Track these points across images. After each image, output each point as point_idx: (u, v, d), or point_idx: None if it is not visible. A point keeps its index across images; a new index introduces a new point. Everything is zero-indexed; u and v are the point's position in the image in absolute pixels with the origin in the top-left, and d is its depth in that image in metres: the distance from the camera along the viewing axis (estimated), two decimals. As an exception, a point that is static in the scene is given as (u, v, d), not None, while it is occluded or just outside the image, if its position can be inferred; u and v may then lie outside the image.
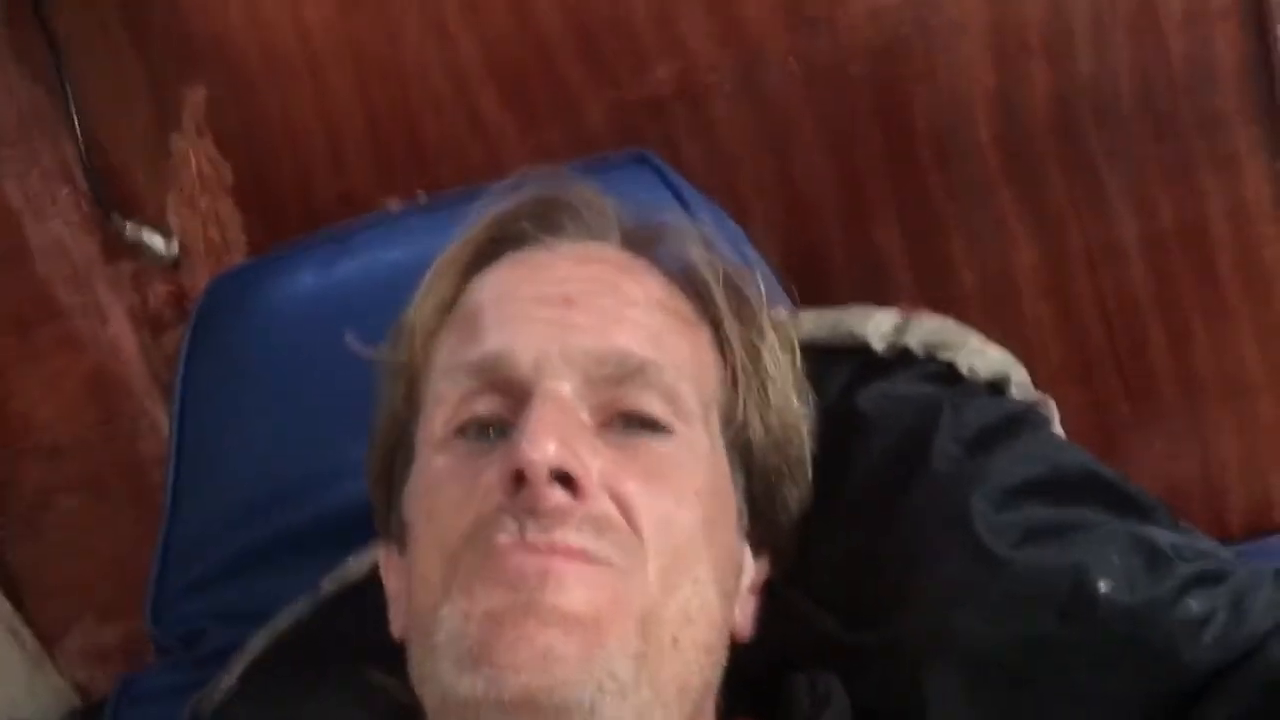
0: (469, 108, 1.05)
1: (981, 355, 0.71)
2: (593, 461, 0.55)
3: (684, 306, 0.64)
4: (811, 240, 1.05)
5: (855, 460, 0.67)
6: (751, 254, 0.87)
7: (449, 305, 0.64)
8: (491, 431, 0.58)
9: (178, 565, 0.90)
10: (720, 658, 0.59)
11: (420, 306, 0.64)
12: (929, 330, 0.71)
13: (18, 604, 1.18)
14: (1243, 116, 0.99)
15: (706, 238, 0.68)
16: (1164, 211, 1.02)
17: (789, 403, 0.65)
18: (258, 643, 0.76)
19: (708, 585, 0.57)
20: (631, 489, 0.55)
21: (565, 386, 0.57)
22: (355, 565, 0.77)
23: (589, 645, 0.51)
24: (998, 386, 0.70)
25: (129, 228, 1.10)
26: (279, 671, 0.73)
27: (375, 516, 0.67)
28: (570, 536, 0.53)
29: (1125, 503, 0.64)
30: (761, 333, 0.65)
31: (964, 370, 0.70)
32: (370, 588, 0.69)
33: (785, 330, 0.68)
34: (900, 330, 0.71)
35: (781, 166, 1.04)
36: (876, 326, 0.72)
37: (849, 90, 1.01)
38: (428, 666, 0.54)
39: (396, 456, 0.64)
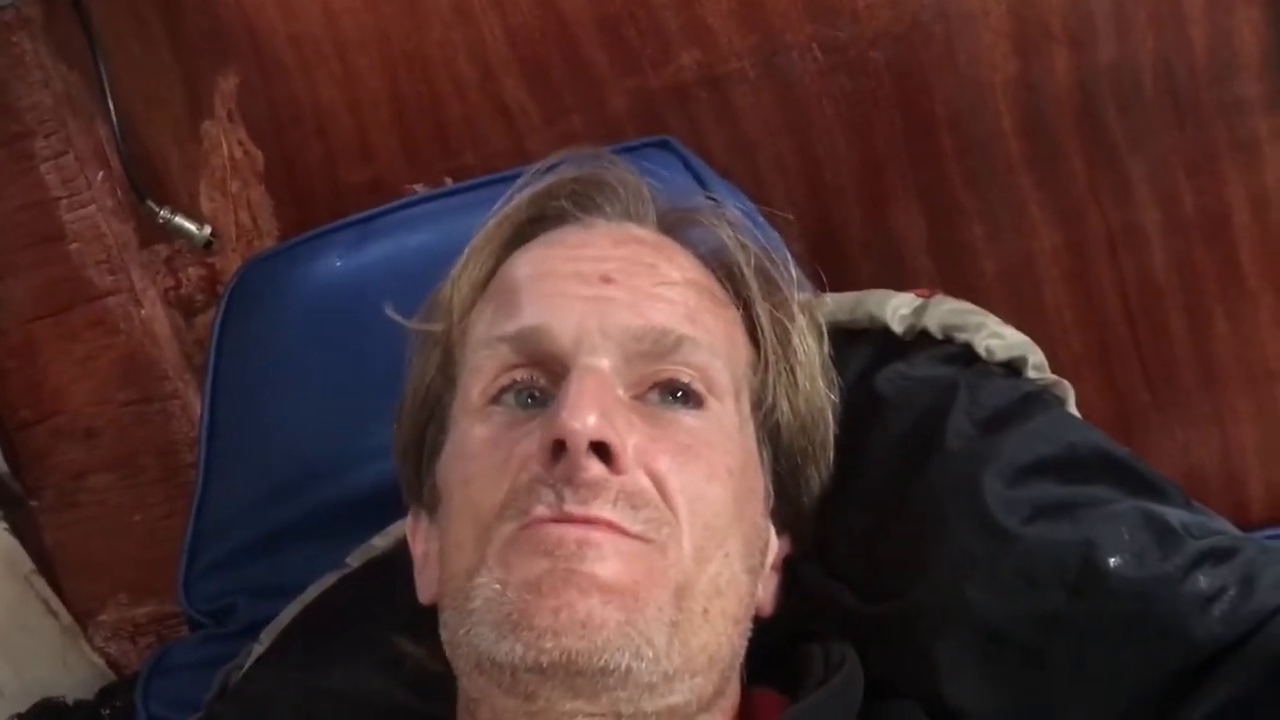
0: (493, 94, 1.06)
1: (998, 337, 0.71)
2: (629, 436, 0.56)
3: (716, 288, 0.66)
4: (832, 225, 1.05)
5: (873, 440, 0.68)
6: (774, 237, 0.87)
7: (486, 280, 0.65)
8: (530, 399, 0.59)
9: (208, 542, 0.92)
10: (746, 630, 0.60)
11: (458, 281, 0.65)
12: (947, 312, 0.72)
13: (53, 581, 1.21)
14: (1265, 104, 0.98)
15: (738, 222, 0.69)
16: (1185, 199, 1.01)
17: (816, 386, 0.66)
18: (286, 614, 0.78)
19: (736, 560, 0.58)
20: (665, 464, 0.56)
21: (604, 362, 0.58)
22: (380, 542, 0.79)
23: (628, 612, 0.52)
24: (1014, 368, 0.71)
25: (163, 212, 1.12)
26: (304, 640, 0.75)
27: (404, 485, 0.68)
28: (606, 510, 0.54)
29: (1137, 481, 0.64)
30: (791, 316, 0.66)
31: (981, 351, 0.70)
32: (395, 561, 0.71)
33: (813, 314, 0.68)
34: (919, 312, 0.72)
35: (803, 152, 1.04)
36: (895, 309, 0.73)
37: (869, 77, 1.01)
38: (462, 631, 0.55)
39: (429, 426, 0.65)
